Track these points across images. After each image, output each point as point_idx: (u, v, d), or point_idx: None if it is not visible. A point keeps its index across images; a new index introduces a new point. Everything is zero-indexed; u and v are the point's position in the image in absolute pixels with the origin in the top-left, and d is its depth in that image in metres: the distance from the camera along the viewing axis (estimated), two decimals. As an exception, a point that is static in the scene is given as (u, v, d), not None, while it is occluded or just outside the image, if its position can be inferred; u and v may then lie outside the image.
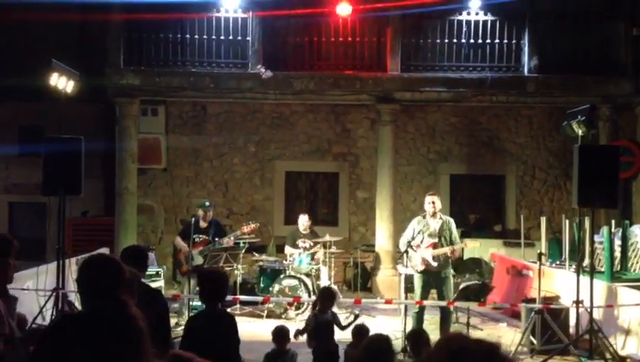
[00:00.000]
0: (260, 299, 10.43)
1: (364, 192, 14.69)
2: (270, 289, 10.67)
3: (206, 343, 4.94)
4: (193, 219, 10.27)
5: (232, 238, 10.65)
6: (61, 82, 11.27)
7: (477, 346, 1.70)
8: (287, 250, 11.40)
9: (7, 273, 4.62)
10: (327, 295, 7.08)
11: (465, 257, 12.56)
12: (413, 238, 8.81)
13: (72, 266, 9.30)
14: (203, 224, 10.45)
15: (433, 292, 9.21)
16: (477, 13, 12.99)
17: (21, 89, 13.18)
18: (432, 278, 8.84)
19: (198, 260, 10.09)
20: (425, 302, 8.87)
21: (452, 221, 9.06)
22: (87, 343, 2.71)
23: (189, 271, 9.86)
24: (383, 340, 5.08)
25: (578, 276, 8.61)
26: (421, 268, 8.77)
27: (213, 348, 4.91)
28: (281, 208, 14.83)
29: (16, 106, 14.94)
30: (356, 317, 7.21)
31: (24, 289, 9.07)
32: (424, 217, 8.93)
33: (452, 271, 9.29)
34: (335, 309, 10.88)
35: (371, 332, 6.57)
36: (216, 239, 10.37)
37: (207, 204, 10.72)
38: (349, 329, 6.89)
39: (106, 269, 3.07)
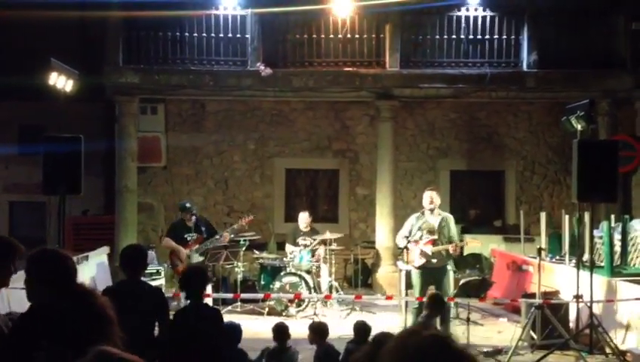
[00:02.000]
0: (260, 296, 10.44)
1: (364, 189, 14.69)
2: (271, 286, 10.67)
3: (189, 337, 5.04)
4: (192, 215, 10.16)
5: (229, 233, 10.56)
6: (60, 81, 11.28)
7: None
8: (288, 247, 11.41)
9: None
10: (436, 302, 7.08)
11: (465, 253, 12.57)
12: (410, 234, 8.80)
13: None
14: (189, 223, 10.30)
15: (432, 288, 9.22)
16: (476, 9, 12.98)
17: (21, 88, 13.19)
18: (431, 274, 8.84)
19: (197, 259, 10.02)
20: (425, 298, 8.87)
21: (451, 218, 9.05)
22: (53, 337, 2.75)
23: None
24: (388, 338, 5.11)
25: (578, 271, 8.62)
26: (420, 263, 8.75)
27: (197, 341, 5.01)
28: (281, 205, 14.84)
29: (16, 106, 14.96)
30: None
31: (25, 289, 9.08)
32: (423, 213, 8.92)
33: (453, 266, 9.30)
34: (336, 305, 10.97)
35: (373, 328, 6.61)
36: (216, 237, 10.31)
37: (187, 205, 10.36)
38: (350, 325, 6.89)
39: (65, 263, 3.11)
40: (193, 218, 10.23)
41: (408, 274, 9.15)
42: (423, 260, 8.73)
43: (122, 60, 12.78)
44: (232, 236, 10.74)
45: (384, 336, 5.19)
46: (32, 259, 3.21)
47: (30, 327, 2.94)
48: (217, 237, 10.19)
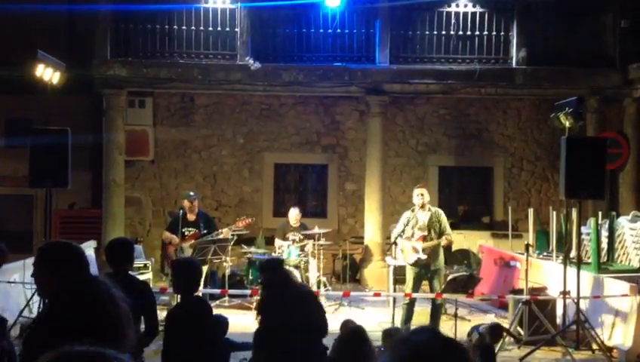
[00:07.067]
0: (248, 291, 10.41)
1: (353, 184, 14.68)
2: (259, 281, 10.64)
3: (185, 333, 5.02)
4: (181, 211, 10.22)
5: (229, 230, 10.58)
6: (47, 73, 11.18)
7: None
8: (277, 242, 11.39)
9: None
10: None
11: (453, 248, 12.59)
12: (404, 231, 8.83)
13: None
14: (191, 216, 10.36)
15: (424, 284, 9.24)
16: (466, 5, 12.99)
17: (8, 81, 13.05)
18: (424, 270, 8.87)
19: (188, 253, 10.02)
20: (414, 294, 8.90)
21: (441, 212, 9.08)
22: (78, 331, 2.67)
23: None
24: (356, 330, 5.13)
25: (565, 267, 8.67)
26: (413, 259, 8.77)
27: (193, 336, 4.98)
28: (269, 200, 14.80)
29: (2, 98, 14.80)
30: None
31: (11, 283, 9.04)
32: (413, 210, 8.95)
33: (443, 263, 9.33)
34: (324, 300, 10.96)
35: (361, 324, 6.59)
36: (215, 233, 10.29)
37: (191, 194, 10.65)
38: (338, 320, 6.87)
39: (78, 254, 3.06)
40: (195, 204, 10.33)
41: (396, 270, 9.17)
42: (415, 257, 8.75)
43: (110, 53, 12.69)
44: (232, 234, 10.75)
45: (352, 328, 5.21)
46: (44, 251, 3.13)
47: (47, 331, 2.74)
48: (217, 233, 10.23)
